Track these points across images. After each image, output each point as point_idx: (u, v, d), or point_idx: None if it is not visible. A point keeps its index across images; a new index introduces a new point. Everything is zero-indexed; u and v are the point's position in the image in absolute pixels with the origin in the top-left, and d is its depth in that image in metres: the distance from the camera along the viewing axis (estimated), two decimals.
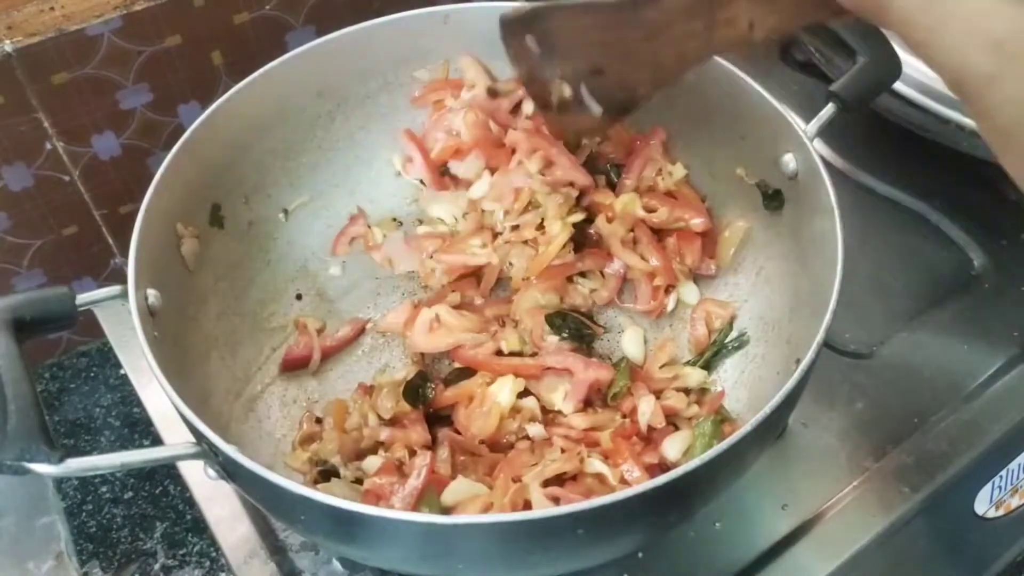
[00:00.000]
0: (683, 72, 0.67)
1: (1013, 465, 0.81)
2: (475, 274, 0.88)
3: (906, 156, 1.00)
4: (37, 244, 0.96)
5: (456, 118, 0.88)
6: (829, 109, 0.76)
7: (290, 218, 0.91)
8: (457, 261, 0.87)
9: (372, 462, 0.74)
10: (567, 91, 0.67)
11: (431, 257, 0.88)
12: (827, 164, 0.73)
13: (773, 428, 0.68)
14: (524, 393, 0.78)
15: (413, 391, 0.79)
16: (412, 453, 0.74)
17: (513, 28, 0.68)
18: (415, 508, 0.68)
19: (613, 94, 0.64)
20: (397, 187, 0.96)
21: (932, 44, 0.40)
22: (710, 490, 0.65)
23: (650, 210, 0.86)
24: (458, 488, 0.70)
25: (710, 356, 0.82)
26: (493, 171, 0.88)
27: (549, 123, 0.81)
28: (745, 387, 0.79)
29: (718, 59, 0.81)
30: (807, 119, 0.76)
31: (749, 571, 0.72)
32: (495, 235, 0.88)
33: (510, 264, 0.86)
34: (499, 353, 0.82)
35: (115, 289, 0.68)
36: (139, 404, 0.85)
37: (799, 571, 0.72)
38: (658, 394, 0.79)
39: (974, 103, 0.38)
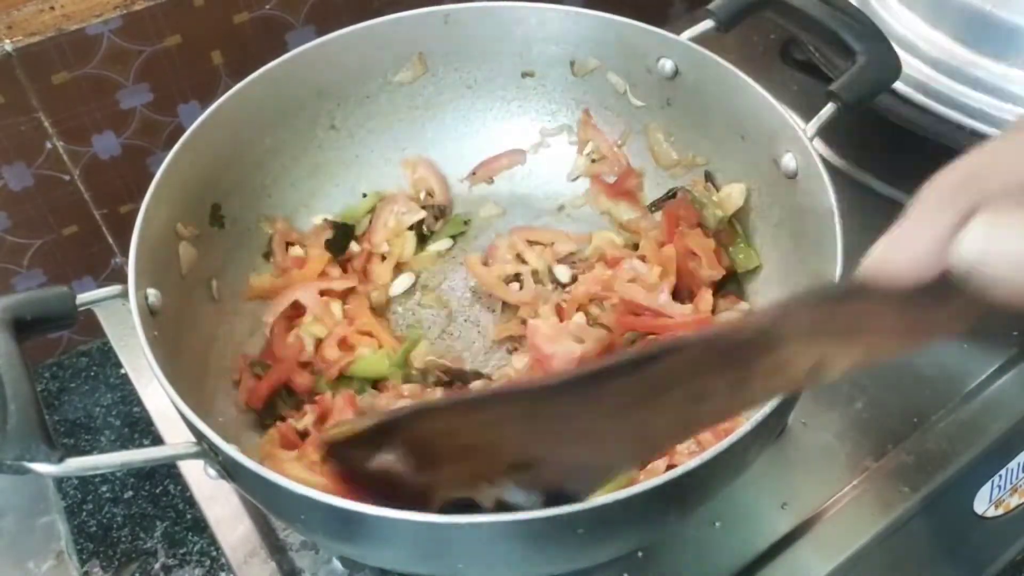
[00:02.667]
0: (693, 435, 0.50)
1: (1013, 464, 0.81)
2: None
3: (906, 156, 1.00)
4: (37, 244, 0.97)
5: None
6: (829, 109, 0.76)
7: (290, 218, 0.91)
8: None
9: None
10: (488, 500, 0.47)
11: None
12: (827, 164, 0.73)
13: (773, 427, 0.68)
14: None
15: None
16: None
17: (347, 451, 0.47)
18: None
19: (554, 486, 0.45)
20: (397, 187, 0.96)
21: None
22: (710, 489, 0.65)
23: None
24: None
25: None
26: None
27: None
28: None
29: (717, 59, 0.81)
30: (807, 119, 0.76)
31: (749, 570, 0.72)
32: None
33: None
34: None
35: (115, 289, 0.68)
36: (139, 403, 0.85)
37: (799, 570, 0.72)
38: None
39: None
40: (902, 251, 0.36)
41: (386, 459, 0.44)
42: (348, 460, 0.45)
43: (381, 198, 0.94)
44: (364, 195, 0.94)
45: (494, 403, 0.42)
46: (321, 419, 0.76)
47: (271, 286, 0.85)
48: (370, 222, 0.92)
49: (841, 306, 0.36)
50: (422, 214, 0.92)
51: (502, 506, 0.42)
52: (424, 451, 0.43)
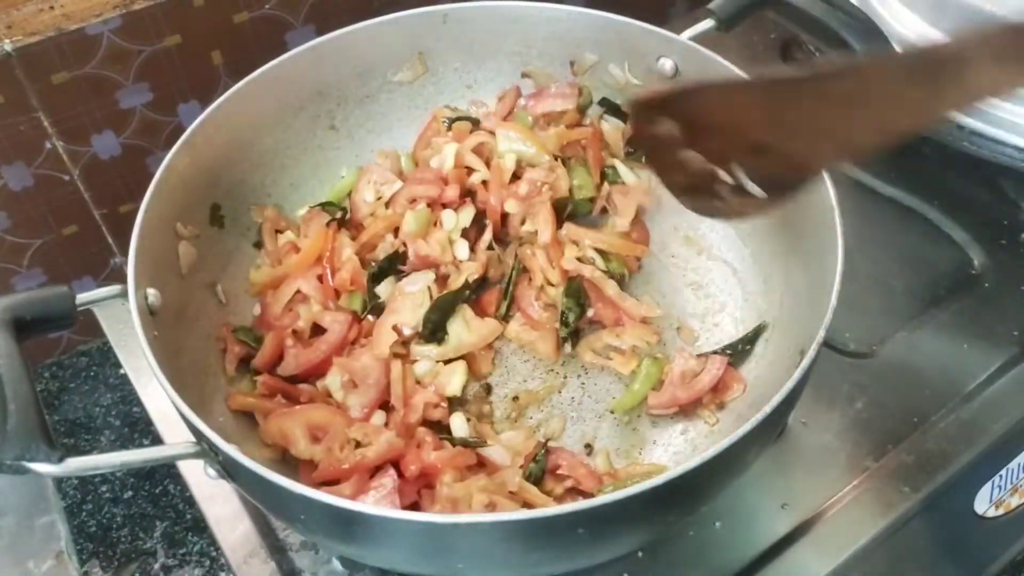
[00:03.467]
0: (884, 144, 0.54)
1: (1013, 464, 0.81)
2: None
3: (906, 155, 1.00)
4: (37, 243, 0.96)
5: None
6: None
7: (290, 218, 0.91)
8: None
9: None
10: (724, 179, 0.56)
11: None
12: None
13: (773, 427, 0.68)
14: None
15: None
16: None
17: (647, 111, 0.57)
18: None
19: (779, 173, 0.54)
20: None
21: None
22: (710, 489, 0.65)
23: None
24: None
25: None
26: None
27: (698, 210, 0.70)
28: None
29: (718, 58, 0.81)
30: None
31: (749, 570, 0.72)
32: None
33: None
34: None
35: (115, 288, 0.68)
36: (139, 403, 0.85)
37: (799, 570, 0.72)
38: None
39: None
40: None
41: (668, 125, 0.54)
42: (644, 120, 0.56)
43: (359, 172, 0.93)
44: (343, 176, 0.94)
45: (744, 86, 0.54)
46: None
47: (271, 278, 0.85)
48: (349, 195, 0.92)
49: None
50: (398, 184, 0.90)
51: (736, 188, 0.54)
52: (693, 123, 0.53)
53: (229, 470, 0.61)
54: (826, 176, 0.71)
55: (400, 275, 0.85)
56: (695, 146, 0.55)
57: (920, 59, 0.44)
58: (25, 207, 0.93)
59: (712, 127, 0.53)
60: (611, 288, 0.85)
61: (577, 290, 0.84)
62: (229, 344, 0.80)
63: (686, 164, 0.56)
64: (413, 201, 0.89)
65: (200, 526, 0.88)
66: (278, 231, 0.88)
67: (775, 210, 0.62)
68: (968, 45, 0.42)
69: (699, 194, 0.57)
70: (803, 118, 0.49)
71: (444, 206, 0.88)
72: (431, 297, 0.82)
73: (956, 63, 0.42)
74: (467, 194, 0.89)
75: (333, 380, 0.78)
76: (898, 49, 0.78)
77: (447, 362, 0.81)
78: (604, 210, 0.90)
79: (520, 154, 0.89)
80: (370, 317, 0.84)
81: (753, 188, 0.53)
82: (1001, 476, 0.80)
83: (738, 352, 0.80)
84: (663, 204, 0.92)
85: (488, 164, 0.89)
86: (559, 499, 0.74)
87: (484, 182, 0.89)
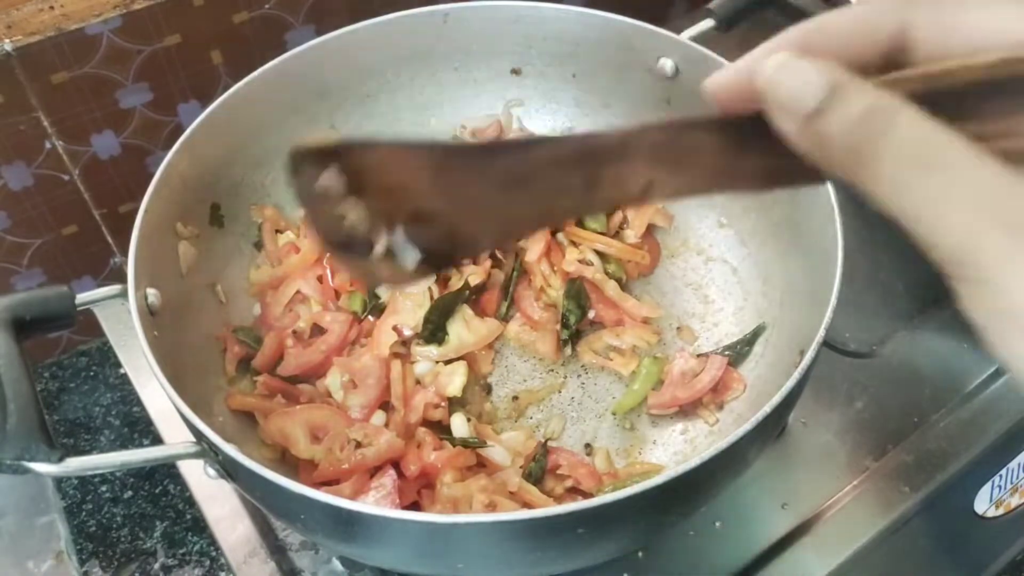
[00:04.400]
0: (545, 227, 0.58)
1: (1013, 464, 0.81)
2: None
3: None
4: (37, 243, 0.96)
5: None
6: None
7: (290, 218, 0.91)
8: None
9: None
10: (380, 243, 0.52)
11: None
12: None
13: (773, 427, 0.68)
14: None
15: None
16: None
17: (308, 161, 0.53)
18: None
19: (439, 245, 0.51)
20: None
21: (927, 217, 0.35)
22: (710, 489, 0.65)
23: None
24: None
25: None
26: None
27: (346, 269, 0.67)
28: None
29: (718, 58, 0.81)
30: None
31: (749, 570, 0.72)
32: None
33: None
34: None
35: (115, 288, 0.68)
36: (139, 403, 0.85)
37: (799, 570, 0.72)
38: None
39: (972, 284, 0.34)
40: (725, 71, 0.41)
41: (328, 177, 0.50)
42: (302, 172, 0.51)
43: None
44: None
45: (417, 148, 0.49)
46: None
47: (271, 278, 0.85)
48: None
49: (678, 138, 0.40)
50: None
51: (388, 252, 0.50)
52: (357, 178, 0.50)
53: (229, 470, 0.61)
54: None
55: None
56: (357, 201, 0.51)
57: (582, 144, 0.43)
58: (25, 207, 0.93)
59: (377, 186, 0.50)
60: (611, 289, 0.85)
61: (578, 292, 0.84)
62: (229, 344, 0.80)
63: (342, 219, 0.52)
64: None
65: (200, 526, 0.88)
66: (278, 231, 0.88)
67: (420, 282, 0.61)
68: (624, 137, 0.42)
69: (353, 253, 0.52)
70: (468, 194, 0.47)
71: None
72: (431, 298, 0.82)
73: (610, 154, 0.42)
74: None
75: (333, 380, 0.78)
76: None
77: (448, 362, 0.81)
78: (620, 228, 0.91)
79: None
80: (370, 318, 0.84)
81: (406, 258, 0.50)
82: (1001, 476, 0.80)
83: (738, 352, 0.80)
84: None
85: None
86: (559, 499, 0.74)
87: None
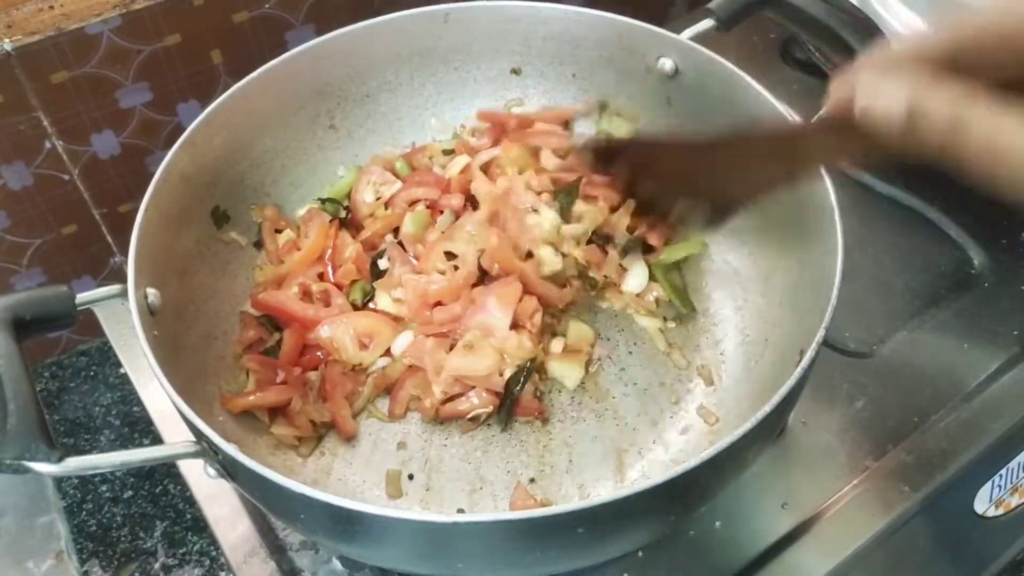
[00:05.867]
0: (775, 188, 0.68)
1: (1013, 464, 0.81)
2: None
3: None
4: (37, 243, 0.96)
5: None
6: None
7: (290, 218, 0.91)
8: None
9: None
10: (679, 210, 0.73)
11: None
12: None
13: (773, 427, 0.68)
14: None
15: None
16: None
17: (598, 158, 0.75)
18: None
19: (711, 203, 0.70)
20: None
21: (1006, 180, 0.45)
22: (710, 489, 0.65)
23: None
24: None
25: None
26: None
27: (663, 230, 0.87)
28: (746, 385, 0.79)
29: (717, 58, 0.81)
30: (807, 118, 0.76)
31: (749, 570, 0.72)
32: None
33: None
34: None
35: (115, 288, 0.68)
36: (139, 403, 0.85)
37: (799, 570, 0.72)
38: None
39: None
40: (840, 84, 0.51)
41: (617, 165, 0.74)
42: (593, 163, 0.75)
43: (359, 172, 0.93)
44: (340, 175, 0.94)
45: (677, 145, 0.70)
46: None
47: (274, 277, 0.85)
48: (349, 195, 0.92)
49: (835, 125, 0.54)
50: (397, 184, 0.91)
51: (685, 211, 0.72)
52: (639, 168, 0.71)
53: (229, 469, 0.61)
54: (826, 176, 0.71)
55: None
56: (643, 183, 0.73)
57: (778, 129, 0.67)
58: (25, 207, 0.93)
59: (654, 170, 0.70)
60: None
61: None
62: (246, 325, 0.81)
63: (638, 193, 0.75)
64: (412, 203, 0.89)
65: (200, 526, 0.88)
66: (277, 230, 0.89)
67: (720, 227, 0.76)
68: (804, 124, 0.62)
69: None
70: (716, 168, 0.65)
71: (442, 211, 0.88)
72: None
73: (798, 134, 0.63)
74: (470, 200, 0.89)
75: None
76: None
77: None
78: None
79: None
80: (371, 305, 0.85)
81: (695, 218, 0.72)
82: (1001, 476, 0.80)
83: None
84: None
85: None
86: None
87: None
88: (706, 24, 0.84)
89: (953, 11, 0.92)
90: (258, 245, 0.88)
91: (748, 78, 0.79)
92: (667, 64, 0.86)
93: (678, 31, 0.84)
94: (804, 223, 0.75)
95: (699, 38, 0.84)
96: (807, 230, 0.75)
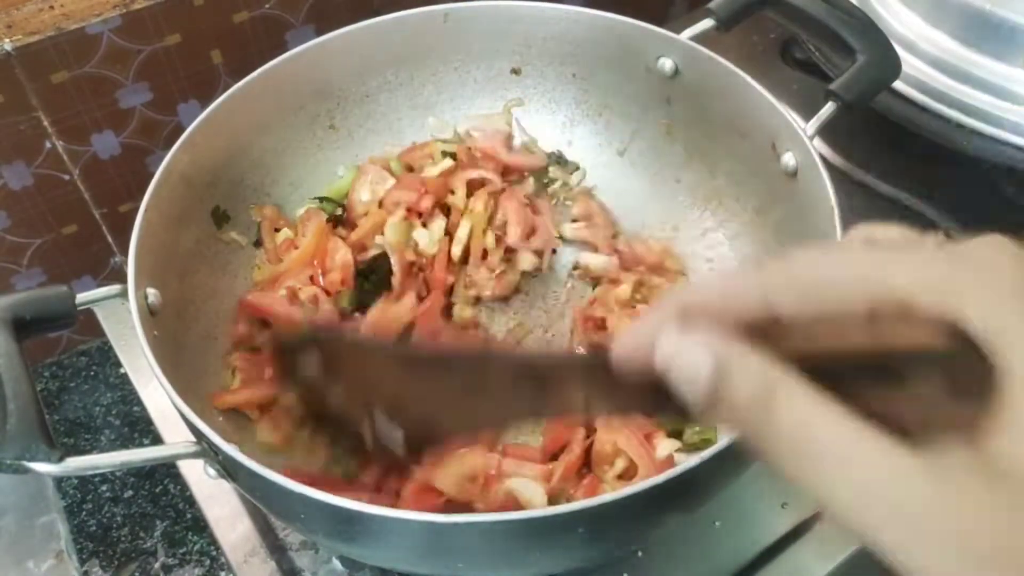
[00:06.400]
0: (507, 427, 0.62)
1: None
2: None
3: (906, 155, 1.00)
4: (36, 243, 0.96)
5: None
6: (829, 108, 0.76)
7: (290, 217, 0.91)
8: None
9: None
10: (367, 429, 0.55)
11: None
12: (827, 163, 0.73)
13: None
14: None
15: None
16: None
17: (288, 350, 0.58)
18: None
19: (420, 429, 0.54)
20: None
21: (822, 500, 0.33)
22: (710, 488, 0.65)
23: None
24: None
25: None
26: None
27: (333, 450, 0.69)
28: None
29: (717, 58, 0.81)
30: (807, 118, 0.76)
31: (749, 569, 0.72)
32: None
33: None
34: None
35: (115, 288, 0.68)
36: (139, 403, 0.85)
37: (799, 569, 0.72)
38: None
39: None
40: (627, 342, 0.40)
41: (308, 365, 0.54)
42: (285, 359, 0.55)
43: (357, 172, 0.93)
44: (340, 175, 0.94)
45: (382, 349, 0.53)
46: None
47: (272, 275, 0.85)
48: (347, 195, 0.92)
49: (604, 369, 0.41)
50: (391, 182, 0.90)
51: (375, 437, 0.53)
52: (333, 366, 0.54)
53: (229, 469, 0.61)
54: (825, 175, 0.71)
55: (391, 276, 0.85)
56: (333, 390, 0.55)
57: (524, 366, 0.47)
58: (25, 207, 0.93)
59: (353, 375, 0.54)
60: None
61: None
62: (236, 322, 0.82)
63: (327, 402, 0.56)
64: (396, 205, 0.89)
65: (200, 526, 0.88)
66: (276, 229, 0.89)
67: (415, 464, 0.64)
68: (559, 363, 0.46)
69: (340, 433, 0.57)
70: (433, 393, 0.50)
71: (419, 215, 0.89)
72: None
73: (553, 378, 0.45)
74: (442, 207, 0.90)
75: None
76: (898, 48, 0.78)
77: None
78: None
79: None
80: (357, 315, 0.84)
81: (391, 438, 0.53)
82: None
83: None
84: (661, 202, 0.92)
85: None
86: None
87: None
88: (706, 24, 0.84)
89: (953, 12, 0.92)
90: (258, 244, 0.88)
91: (748, 78, 0.79)
92: (667, 64, 0.86)
93: (678, 31, 0.84)
94: (804, 223, 0.75)
95: (699, 38, 0.84)
96: (807, 230, 0.75)
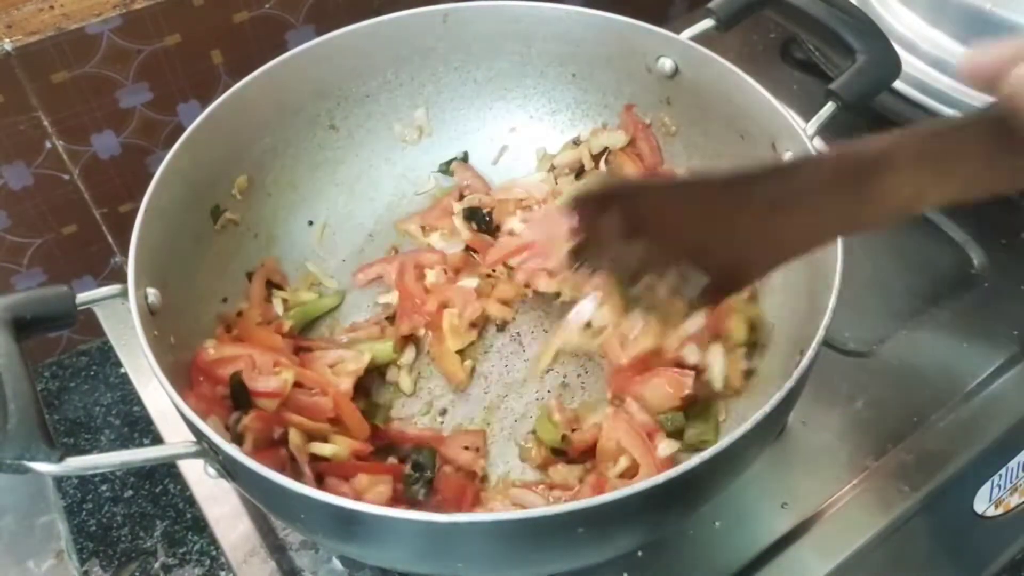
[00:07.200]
0: (815, 248, 0.57)
1: (1012, 464, 0.81)
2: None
3: None
4: (37, 243, 0.96)
5: None
6: (829, 108, 0.76)
7: (290, 217, 0.91)
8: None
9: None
10: (667, 278, 0.55)
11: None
12: None
13: (773, 427, 0.68)
14: None
15: None
16: None
17: (588, 206, 0.56)
18: None
19: (717, 275, 0.53)
20: (396, 186, 0.96)
21: None
22: (710, 488, 0.65)
23: None
24: None
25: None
26: None
27: (625, 304, 0.65)
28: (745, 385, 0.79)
29: (717, 57, 0.81)
30: (807, 118, 0.76)
31: (749, 569, 0.72)
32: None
33: None
34: None
35: (115, 288, 0.68)
36: (139, 403, 0.85)
37: (799, 569, 0.72)
38: None
39: None
40: (987, 54, 0.39)
41: (610, 221, 0.53)
42: (586, 213, 0.54)
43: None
44: (310, 223, 0.92)
45: (683, 187, 0.51)
46: None
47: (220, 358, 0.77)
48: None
49: (943, 140, 0.39)
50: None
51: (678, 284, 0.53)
52: (635, 220, 0.52)
53: (229, 469, 0.61)
54: None
55: None
56: (637, 243, 0.54)
57: (842, 161, 0.43)
58: (25, 206, 0.93)
59: (656, 227, 0.52)
60: None
61: None
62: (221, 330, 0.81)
63: (628, 257, 0.55)
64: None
65: (200, 525, 0.88)
66: (274, 283, 0.87)
67: (709, 308, 0.63)
68: (887, 147, 0.41)
69: (638, 289, 0.56)
70: (739, 223, 0.48)
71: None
72: None
73: (876, 165, 0.41)
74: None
75: None
76: (898, 47, 0.78)
77: None
78: None
79: None
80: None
81: (694, 286, 0.52)
82: (1001, 475, 0.80)
83: None
84: None
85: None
86: None
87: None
88: (706, 24, 0.84)
89: (953, 12, 0.92)
90: (250, 276, 0.87)
91: (748, 78, 0.79)
92: (667, 64, 0.86)
93: (678, 31, 0.84)
94: None
95: (699, 38, 0.84)
96: None
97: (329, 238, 0.93)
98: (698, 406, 0.77)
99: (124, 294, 0.67)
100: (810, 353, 0.62)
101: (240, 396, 0.73)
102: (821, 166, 0.44)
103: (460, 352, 0.84)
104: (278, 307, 0.86)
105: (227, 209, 0.84)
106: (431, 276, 0.88)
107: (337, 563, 0.74)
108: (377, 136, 0.95)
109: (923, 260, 0.93)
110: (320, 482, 0.72)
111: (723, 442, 0.57)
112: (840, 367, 0.84)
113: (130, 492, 0.93)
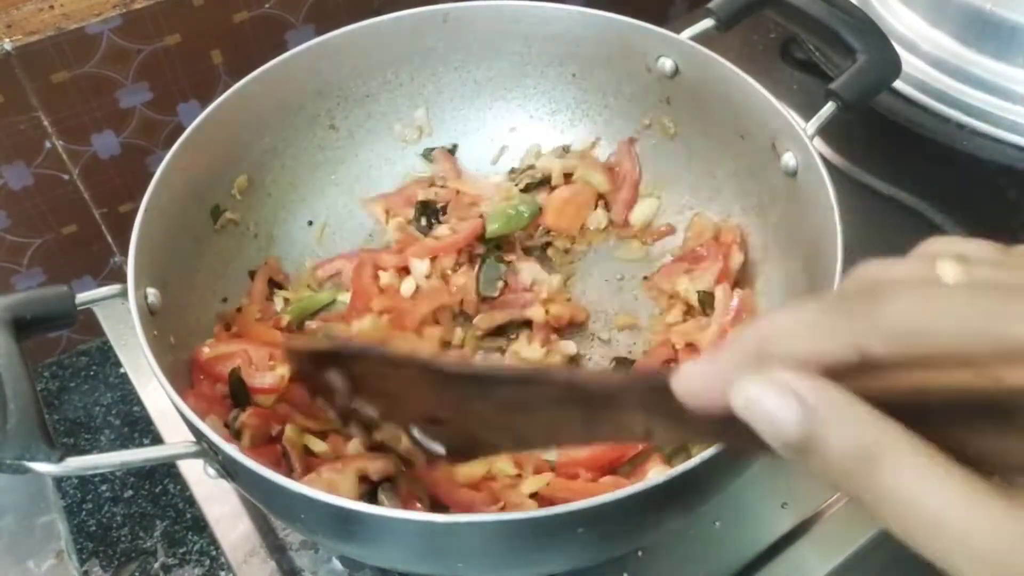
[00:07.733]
0: (567, 447, 0.59)
1: None
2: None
3: (906, 155, 1.00)
4: (36, 243, 0.96)
5: None
6: (829, 108, 0.76)
7: (290, 217, 0.91)
8: None
9: None
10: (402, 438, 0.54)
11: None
12: (827, 163, 0.73)
13: None
14: None
15: None
16: None
17: (304, 363, 0.55)
18: None
19: (457, 442, 0.51)
20: (396, 186, 0.96)
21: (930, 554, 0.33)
22: (710, 488, 0.65)
23: None
24: None
25: None
26: None
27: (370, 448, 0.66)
28: None
29: (717, 57, 0.81)
30: (807, 118, 0.76)
31: (749, 569, 0.72)
32: None
33: None
34: None
35: (115, 288, 0.68)
36: (139, 403, 0.85)
37: (799, 569, 0.72)
38: None
39: None
40: (693, 374, 0.36)
41: (333, 379, 0.53)
42: (302, 366, 0.55)
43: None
44: (310, 223, 0.92)
45: (413, 366, 0.49)
46: None
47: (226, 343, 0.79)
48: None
49: (668, 395, 0.37)
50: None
51: (414, 441, 0.52)
52: (360, 382, 0.52)
53: (228, 469, 0.61)
54: (825, 175, 0.71)
55: None
56: (362, 400, 0.53)
57: (571, 391, 0.42)
58: (25, 206, 0.93)
59: (382, 392, 0.51)
60: None
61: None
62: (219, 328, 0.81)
63: (356, 409, 0.54)
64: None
65: (200, 525, 0.88)
66: (276, 283, 0.87)
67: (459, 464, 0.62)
68: (614, 390, 0.41)
69: (381, 436, 0.55)
70: (472, 411, 0.47)
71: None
72: None
73: (602, 402, 0.41)
74: None
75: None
76: (898, 47, 0.78)
77: None
78: None
79: None
80: None
81: (432, 448, 0.51)
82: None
83: None
84: (661, 204, 0.92)
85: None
86: None
87: None
88: (706, 24, 0.84)
89: (953, 12, 0.92)
90: (252, 274, 0.87)
91: (748, 78, 0.79)
92: (667, 64, 0.86)
93: (678, 31, 0.84)
94: (804, 223, 0.75)
95: (699, 38, 0.84)
96: (807, 230, 0.75)
97: (329, 238, 0.93)
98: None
99: (124, 294, 0.67)
100: None
101: (239, 393, 0.74)
102: (554, 386, 0.43)
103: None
104: (279, 305, 0.86)
105: (227, 209, 0.84)
106: (385, 277, 0.87)
107: (337, 563, 0.74)
108: (377, 136, 0.95)
109: None
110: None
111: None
112: None
113: (130, 492, 0.93)
